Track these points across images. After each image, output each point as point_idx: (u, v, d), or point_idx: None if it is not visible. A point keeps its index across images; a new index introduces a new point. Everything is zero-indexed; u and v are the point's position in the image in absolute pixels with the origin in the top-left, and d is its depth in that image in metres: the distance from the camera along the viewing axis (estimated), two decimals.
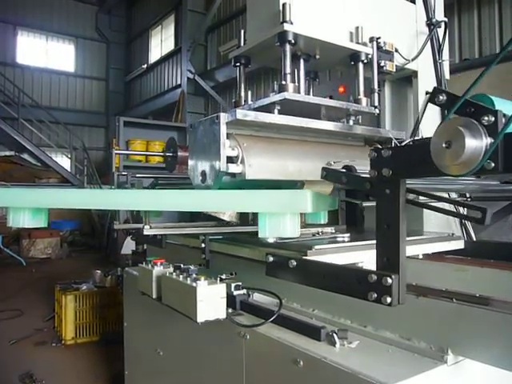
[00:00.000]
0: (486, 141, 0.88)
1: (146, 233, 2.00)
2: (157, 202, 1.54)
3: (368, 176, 1.13)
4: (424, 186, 1.33)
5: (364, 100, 1.98)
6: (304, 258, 1.40)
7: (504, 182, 1.63)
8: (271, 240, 1.66)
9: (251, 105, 1.91)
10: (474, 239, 2.22)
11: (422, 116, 2.14)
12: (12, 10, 15.36)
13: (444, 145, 0.92)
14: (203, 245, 1.91)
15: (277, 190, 1.33)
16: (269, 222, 1.31)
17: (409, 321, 1.24)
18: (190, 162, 1.72)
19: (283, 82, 1.79)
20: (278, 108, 1.80)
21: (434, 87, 1.11)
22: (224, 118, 1.56)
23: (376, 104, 2.03)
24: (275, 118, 1.73)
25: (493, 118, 0.88)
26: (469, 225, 2.25)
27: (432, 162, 0.95)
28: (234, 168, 1.57)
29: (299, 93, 1.85)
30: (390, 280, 1.04)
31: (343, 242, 1.68)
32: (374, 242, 1.53)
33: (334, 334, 1.28)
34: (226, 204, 1.44)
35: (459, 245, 1.96)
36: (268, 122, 1.69)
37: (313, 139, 1.92)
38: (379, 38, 2.05)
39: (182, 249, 2.17)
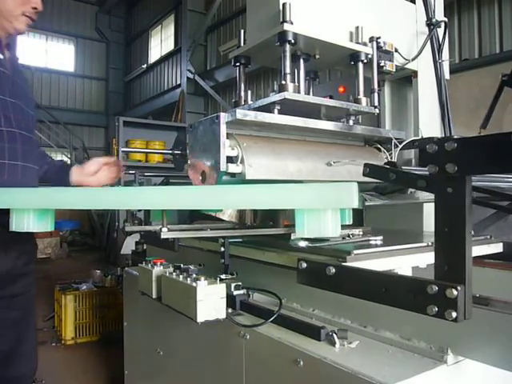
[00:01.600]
0: None
1: (163, 236, 1.77)
2: (196, 201, 1.28)
3: (426, 173, 1.00)
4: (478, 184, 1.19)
5: (364, 100, 1.98)
6: (344, 264, 1.29)
7: None
8: (303, 244, 1.52)
9: (251, 105, 1.91)
10: None
11: (496, 104, 1.91)
12: None
13: None
14: (222, 248, 1.75)
15: (318, 183, 1.19)
16: (307, 220, 1.15)
17: (409, 321, 1.23)
18: (190, 162, 1.72)
19: (283, 82, 1.78)
20: (278, 108, 1.79)
21: None
22: (224, 117, 1.55)
23: (376, 104, 2.03)
24: (275, 117, 1.72)
25: None
26: None
27: None
28: (233, 168, 1.56)
29: (299, 93, 1.85)
30: (455, 292, 0.89)
31: (376, 245, 1.54)
32: (411, 246, 1.51)
33: (334, 334, 1.28)
34: (263, 200, 1.25)
35: (498, 248, 1.84)
36: (268, 121, 1.68)
37: (313, 139, 1.92)
38: (379, 37, 2.05)
39: (189, 251, 2.09)
